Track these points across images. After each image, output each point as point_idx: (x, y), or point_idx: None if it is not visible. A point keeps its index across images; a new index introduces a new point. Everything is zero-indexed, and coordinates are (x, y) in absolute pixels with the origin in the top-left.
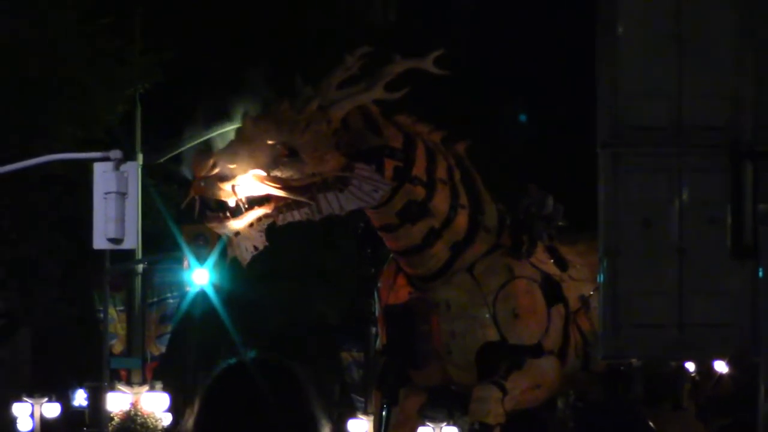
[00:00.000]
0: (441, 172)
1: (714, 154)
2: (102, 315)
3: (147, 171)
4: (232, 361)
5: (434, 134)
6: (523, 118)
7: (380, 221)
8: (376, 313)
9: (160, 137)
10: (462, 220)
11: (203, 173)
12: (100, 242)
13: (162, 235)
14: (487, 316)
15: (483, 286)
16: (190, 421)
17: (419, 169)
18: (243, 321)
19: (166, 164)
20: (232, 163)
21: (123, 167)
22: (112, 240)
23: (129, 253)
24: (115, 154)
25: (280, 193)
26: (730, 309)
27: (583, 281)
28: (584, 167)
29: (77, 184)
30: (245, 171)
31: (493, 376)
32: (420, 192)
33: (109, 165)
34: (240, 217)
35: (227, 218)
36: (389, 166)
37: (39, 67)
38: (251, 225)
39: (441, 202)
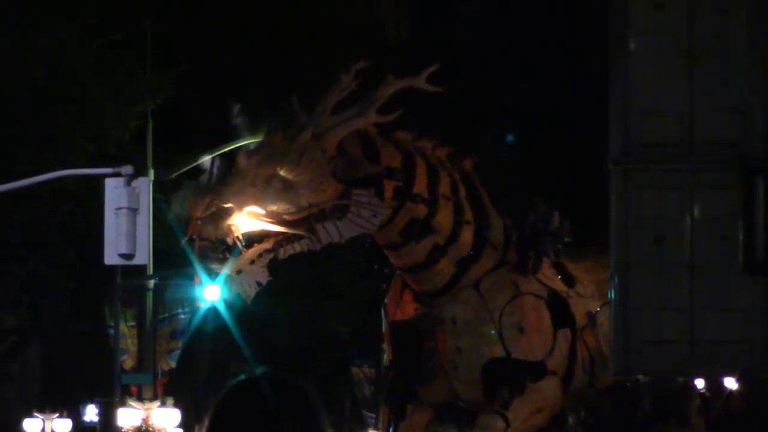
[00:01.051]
0: (444, 188)
1: (726, 170)
2: (113, 331)
3: (158, 186)
4: (242, 377)
5: (439, 150)
6: (520, 135)
7: (384, 240)
8: (383, 329)
9: (172, 153)
10: (467, 236)
11: (199, 213)
12: (111, 258)
13: (173, 251)
14: (493, 332)
15: (489, 302)
16: None
17: (420, 187)
18: (254, 337)
19: (178, 180)
20: (227, 201)
21: (134, 183)
22: (123, 255)
23: (140, 269)
24: (127, 169)
25: (277, 228)
26: (742, 325)
27: (590, 297)
28: (592, 183)
29: (88, 200)
30: (241, 208)
31: (494, 405)
32: (422, 210)
33: (120, 180)
34: (240, 255)
35: (226, 257)
36: (389, 187)
37: (50, 81)
38: (252, 262)
39: (444, 218)
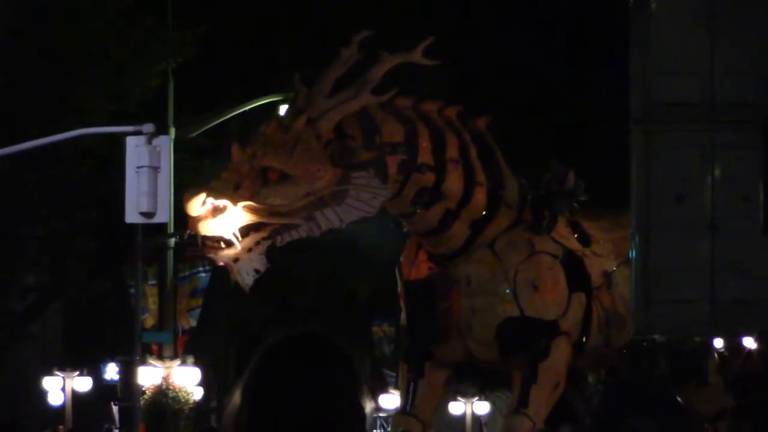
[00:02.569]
0: (452, 152)
1: (747, 130)
2: (133, 290)
3: (179, 145)
4: (280, 335)
5: (449, 110)
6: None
7: (395, 210)
8: (399, 289)
9: (193, 111)
10: (480, 197)
11: (195, 211)
12: (132, 216)
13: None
14: (507, 291)
15: (504, 261)
16: (237, 395)
17: (425, 156)
18: (273, 296)
19: (198, 138)
20: (222, 197)
21: (155, 141)
22: (144, 214)
23: (161, 228)
24: (148, 128)
25: (274, 220)
26: (763, 285)
27: (607, 257)
28: (612, 144)
29: (109, 159)
30: (236, 203)
31: (516, 403)
32: (429, 177)
33: (141, 139)
34: (237, 245)
35: (223, 249)
36: (392, 162)
37: (71, 42)
38: (250, 250)
39: (453, 182)
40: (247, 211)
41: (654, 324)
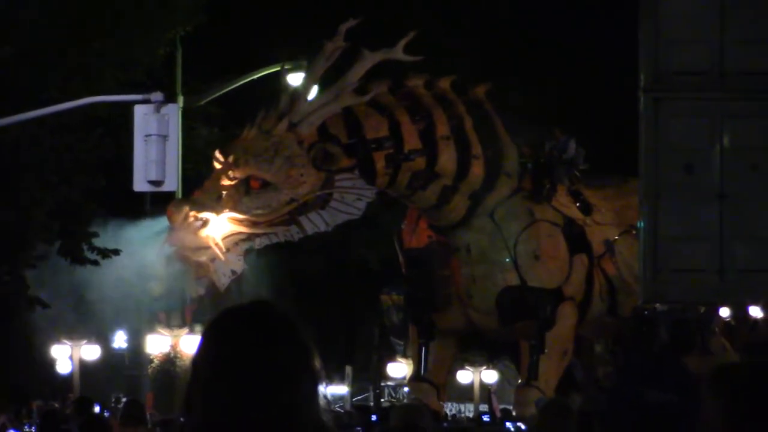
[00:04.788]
0: (441, 130)
1: (756, 99)
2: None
3: (187, 113)
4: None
5: (442, 81)
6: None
7: (393, 194)
8: (400, 258)
9: (201, 80)
10: (477, 170)
11: (177, 224)
12: (140, 184)
13: (202, 178)
14: (507, 260)
15: (504, 230)
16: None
17: (411, 142)
18: (283, 264)
19: (207, 107)
20: (204, 209)
21: (163, 110)
22: (152, 182)
23: (169, 196)
24: (156, 96)
25: (257, 230)
26: None
27: (609, 225)
28: (619, 112)
29: (118, 127)
30: (219, 215)
31: (526, 375)
32: (420, 162)
33: (149, 107)
34: (218, 254)
35: (200, 249)
36: (379, 158)
37: (80, 9)
38: (228, 250)
39: (447, 160)
40: (230, 222)
41: (662, 292)
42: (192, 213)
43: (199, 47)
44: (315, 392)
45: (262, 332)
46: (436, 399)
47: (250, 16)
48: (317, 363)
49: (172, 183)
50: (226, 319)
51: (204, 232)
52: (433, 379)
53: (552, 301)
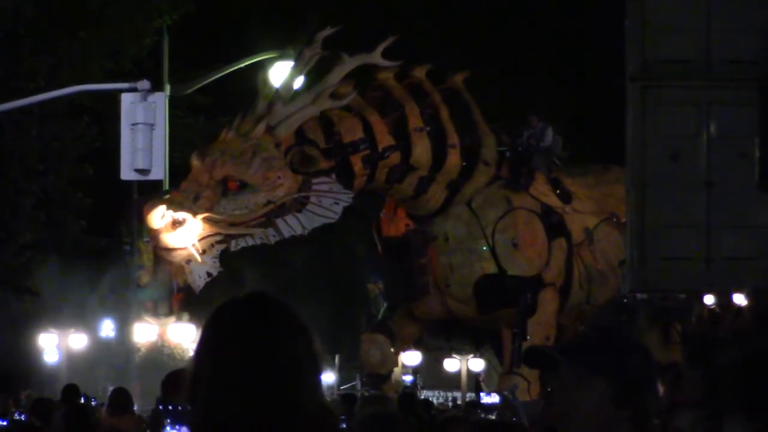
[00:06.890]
0: (414, 122)
1: (743, 87)
2: (129, 247)
3: (174, 102)
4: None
5: (417, 70)
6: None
7: (373, 188)
8: (378, 247)
9: (188, 68)
10: (453, 159)
11: (154, 224)
12: (127, 173)
13: (189, 166)
14: (485, 248)
15: (481, 218)
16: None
17: (384, 140)
18: (270, 253)
19: (194, 95)
20: (181, 210)
21: (150, 98)
22: (139, 171)
23: (156, 184)
24: (143, 84)
25: (233, 231)
26: (758, 242)
27: (588, 213)
28: (607, 99)
29: (105, 116)
30: (195, 215)
31: (509, 362)
32: (395, 157)
33: (136, 96)
34: (196, 255)
35: (176, 249)
36: (356, 160)
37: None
38: (204, 252)
39: (421, 152)
40: (206, 223)
41: (649, 280)
42: (168, 212)
43: (186, 36)
44: (318, 376)
45: (264, 323)
46: (390, 349)
47: (236, 6)
48: (318, 347)
49: (159, 171)
50: (225, 312)
51: (181, 233)
52: (393, 327)
53: (532, 288)
